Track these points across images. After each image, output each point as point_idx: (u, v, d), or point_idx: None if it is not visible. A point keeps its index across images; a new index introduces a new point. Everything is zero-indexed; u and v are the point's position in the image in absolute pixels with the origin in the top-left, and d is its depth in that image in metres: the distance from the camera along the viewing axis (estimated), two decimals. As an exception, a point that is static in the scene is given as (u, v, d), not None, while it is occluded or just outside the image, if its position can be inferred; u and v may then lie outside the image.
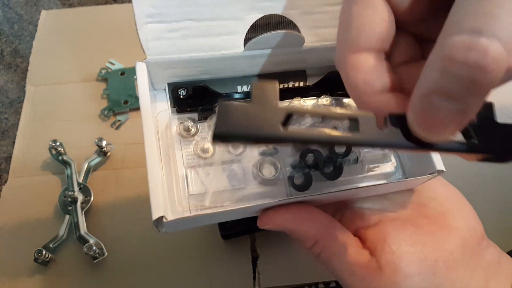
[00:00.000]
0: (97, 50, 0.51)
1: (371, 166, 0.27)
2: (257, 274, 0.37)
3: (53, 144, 0.41)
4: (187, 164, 0.25)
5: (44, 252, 0.36)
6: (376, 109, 0.16)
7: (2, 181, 0.42)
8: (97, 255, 0.37)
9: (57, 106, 0.47)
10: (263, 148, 0.26)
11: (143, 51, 0.25)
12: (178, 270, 0.38)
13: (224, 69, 0.27)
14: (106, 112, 0.46)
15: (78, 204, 0.39)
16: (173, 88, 0.26)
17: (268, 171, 0.25)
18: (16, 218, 0.40)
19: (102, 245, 0.38)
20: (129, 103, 0.46)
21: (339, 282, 0.24)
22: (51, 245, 0.37)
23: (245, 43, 0.26)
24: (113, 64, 0.49)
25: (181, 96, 0.26)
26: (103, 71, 0.49)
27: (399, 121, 0.15)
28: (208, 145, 0.25)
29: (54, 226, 0.39)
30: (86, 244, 0.36)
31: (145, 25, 0.24)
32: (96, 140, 0.41)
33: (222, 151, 0.25)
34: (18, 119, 0.46)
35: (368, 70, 0.16)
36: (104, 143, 0.42)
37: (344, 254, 0.23)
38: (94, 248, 0.36)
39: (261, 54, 0.27)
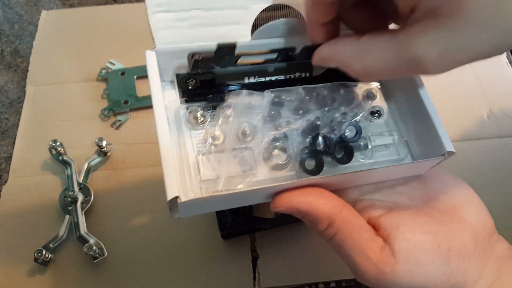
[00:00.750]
0: (97, 50, 0.51)
1: (380, 152, 0.27)
2: (257, 274, 0.37)
3: (53, 144, 0.41)
4: (198, 151, 0.25)
5: (44, 252, 0.36)
6: (312, 34, 0.25)
7: (3, 181, 0.42)
8: (97, 255, 0.37)
9: (57, 106, 0.47)
10: (274, 134, 0.26)
11: (153, 40, 0.25)
12: (178, 270, 0.38)
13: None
14: (106, 112, 0.46)
15: (78, 204, 0.39)
16: (182, 79, 0.27)
17: (279, 157, 0.25)
18: (16, 218, 0.40)
19: (102, 245, 0.38)
20: (129, 103, 0.46)
21: (349, 267, 0.23)
22: (51, 245, 0.37)
23: (252, 33, 0.27)
24: (113, 64, 0.49)
25: (190, 87, 0.26)
26: (103, 71, 0.49)
27: (308, 50, 0.26)
28: (219, 132, 0.25)
29: (54, 226, 0.39)
30: (86, 244, 0.36)
31: (155, 15, 0.25)
32: (96, 140, 0.41)
33: (232, 138, 0.25)
34: (18, 119, 0.46)
35: (313, 11, 0.24)
36: (104, 143, 0.42)
37: (358, 238, 0.22)
38: (94, 248, 0.36)
39: (268, 43, 0.27)
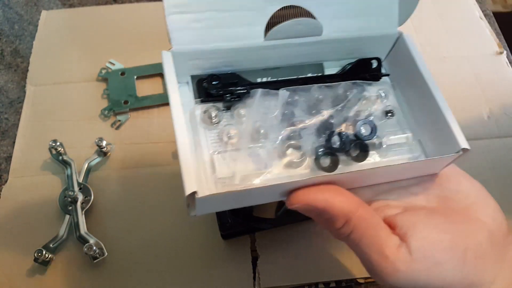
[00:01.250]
0: (97, 50, 0.51)
1: (394, 151, 0.28)
2: (257, 274, 0.37)
3: (53, 144, 0.41)
4: (213, 150, 0.26)
5: (44, 252, 0.36)
6: None
7: (2, 181, 0.42)
8: (97, 255, 0.37)
9: (57, 106, 0.47)
10: (288, 132, 0.26)
11: (169, 41, 0.26)
12: (178, 270, 0.38)
13: (245, 60, 0.28)
14: (106, 112, 0.46)
15: (78, 204, 0.39)
16: (198, 80, 0.27)
17: (293, 155, 0.26)
18: (16, 218, 0.40)
19: (102, 245, 0.38)
20: (129, 103, 0.46)
21: (365, 266, 0.23)
22: (51, 245, 0.37)
23: (265, 33, 0.27)
24: (113, 64, 0.49)
25: (206, 87, 0.27)
26: (103, 71, 0.49)
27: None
28: (234, 131, 0.26)
29: (54, 226, 0.39)
30: (86, 244, 0.36)
31: (171, 16, 0.25)
32: (96, 140, 0.41)
33: (247, 137, 0.26)
34: (18, 119, 0.46)
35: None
36: (104, 143, 0.42)
37: (375, 236, 0.22)
38: (94, 248, 0.36)
39: (281, 44, 0.28)
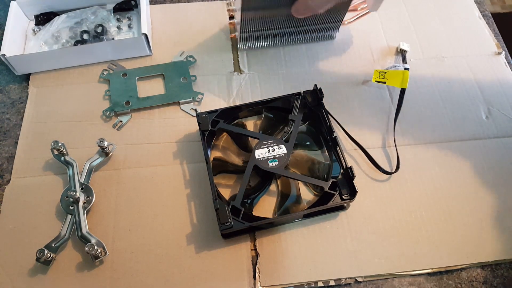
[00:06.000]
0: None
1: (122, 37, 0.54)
2: (257, 273, 0.38)
3: (55, 145, 0.41)
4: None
5: (46, 251, 0.36)
6: None
7: (5, 181, 0.42)
8: (99, 254, 0.37)
9: (59, 107, 0.47)
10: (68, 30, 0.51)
11: None
12: (179, 269, 0.38)
13: None
14: (108, 113, 0.46)
15: (80, 204, 0.40)
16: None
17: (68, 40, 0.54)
18: (19, 218, 0.40)
19: (104, 244, 0.38)
20: (130, 104, 0.47)
21: None
22: (53, 245, 0.38)
23: None
24: (114, 65, 0.50)
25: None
26: (105, 73, 0.49)
27: None
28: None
29: (56, 226, 0.39)
30: (88, 244, 0.37)
31: None
32: (98, 141, 0.42)
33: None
34: (20, 119, 0.46)
35: None
36: (105, 143, 0.42)
37: None
38: (96, 247, 0.37)
39: None
